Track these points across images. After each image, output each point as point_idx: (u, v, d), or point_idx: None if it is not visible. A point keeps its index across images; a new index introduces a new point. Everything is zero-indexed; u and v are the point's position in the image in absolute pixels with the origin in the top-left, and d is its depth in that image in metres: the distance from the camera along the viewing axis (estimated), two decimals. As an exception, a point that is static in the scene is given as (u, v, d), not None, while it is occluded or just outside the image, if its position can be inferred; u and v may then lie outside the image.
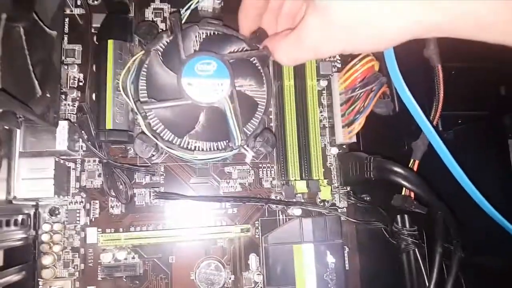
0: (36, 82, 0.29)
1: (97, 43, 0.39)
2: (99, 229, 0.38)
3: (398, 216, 0.41)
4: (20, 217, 0.34)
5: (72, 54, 0.41)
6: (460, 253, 0.40)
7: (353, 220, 0.43)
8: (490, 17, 0.23)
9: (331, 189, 0.42)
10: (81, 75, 0.41)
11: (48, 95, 0.32)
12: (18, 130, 0.34)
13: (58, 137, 0.35)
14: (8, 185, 0.33)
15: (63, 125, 0.35)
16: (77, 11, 0.42)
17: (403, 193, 0.40)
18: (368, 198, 0.44)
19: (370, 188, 0.44)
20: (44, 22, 0.32)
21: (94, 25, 0.40)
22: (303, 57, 0.33)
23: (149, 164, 0.40)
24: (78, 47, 0.41)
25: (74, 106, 0.40)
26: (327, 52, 0.30)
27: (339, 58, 0.45)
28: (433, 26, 0.25)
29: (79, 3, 0.42)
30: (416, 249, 0.40)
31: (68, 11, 0.41)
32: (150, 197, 0.40)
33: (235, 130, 0.35)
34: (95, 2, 0.42)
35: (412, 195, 0.40)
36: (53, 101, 0.33)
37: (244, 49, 0.39)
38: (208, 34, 0.39)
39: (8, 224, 0.32)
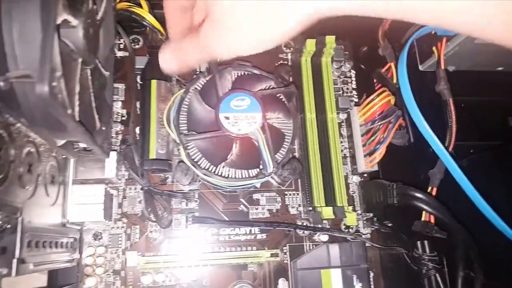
0: (96, 117, 0.33)
1: (141, 82, 0.44)
2: (139, 253, 0.41)
3: (418, 242, 0.43)
4: (69, 240, 0.37)
5: (117, 92, 0.45)
6: (482, 277, 0.41)
7: (377, 246, 0.45)
8: None
9: (356, 215, 0.44)
10: (124, 111, 0.45)
11: (103, 128, 0.35)
12: (72, 160, 0.38)
13: (107, 166, 0.38)
14: (63, 210, 0.36)
15: (112, 155, 0.38)
16: (120, 53, 0.47)
17: (422, 219, 0.43)
18: (390, 224, 0.46)
19: (391, 214, 0.46)
20: (101, 64, 0.37)
21: (137, 66, 0.45)
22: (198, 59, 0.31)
23: (186, 191, 0.43)
24: (121, 86, 0.45)
25: (118, 138, 0.44)
26: (220, 54, 0.28)
27: (356, 94, 0.49)
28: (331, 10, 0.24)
29: (122, 46, 0.47)
30: (437, 274, 0.42)
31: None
32: (186, 222, 0.42)
33: (267, 158, 0.38)
34: (137, 46, 0.47)
35: (432, 220, 0.42)
36: (107, 133, 0.37)
37: (271, 87, 0.43)
38: (240, 74, 0.43)
39: (60, 245, 0.35)
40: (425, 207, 0.40)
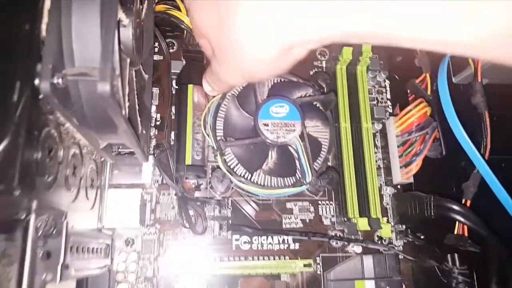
0: (139, 120, 0.33)
1: (177, 87, 0.44)
2: (172, 260, 0.40)
3: (449, 255, 0.43)
4: (104, 246, 0.36)
5: (151, 96, 0.45)
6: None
7: (410, 258, 0.44)
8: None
9: (390, 227, 0.44)
10: (158, 115, 0.44)
11: (144, 131, 0.35)
12: (108, 164, 0.37)
13: (144, 170, 0.38)
14: (100, 214, 0.35)
15: (149, 160, 0.38)
16: (155, 57, 0.46)
17: (455, 232, 0.42)
18: (422, 237, 0.45)
19: (424, 227, 0.45)
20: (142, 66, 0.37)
21: (173, 71, 0.44)
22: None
23: (220, 198, 0.42)
24: (155, 90, 0.45)
25: (151, 143, 0.43)
26: (233, 81, 0.32)
27: (391, 104, 0.49)
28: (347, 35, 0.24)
29: (156, 50, 0.46)
30: (467, 288, 0.41)
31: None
32: (219, 229, 0.42)
33: (307, 167, 0.38)
34: (171, 50, 0.47)
35: (466, 233, 0.42)
36: (147, 137, 0.36)
37: (309, 94, 0.43)
38: (277, 81, 0.43)
39: (96, 251, 0.35)
40: (462, 219, 0.39)
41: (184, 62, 0.45)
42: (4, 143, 0.18)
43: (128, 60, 0.29)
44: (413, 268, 0.45)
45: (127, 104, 0.28)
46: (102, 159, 0.36)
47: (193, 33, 0.34)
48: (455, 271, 0.42)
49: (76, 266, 0.28)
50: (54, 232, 0.25)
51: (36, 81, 0.21)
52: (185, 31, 0.44)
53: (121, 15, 0.26)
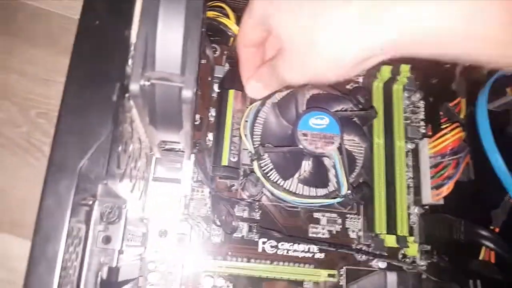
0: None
1: (219, 90, 0.45)
2: (201, 255, 0.41)
3: (471, 281, 0.43)
4: (142, 235, 0.38)
5: (193, 97, 0.47)
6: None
7: (433, 278, 0.44)
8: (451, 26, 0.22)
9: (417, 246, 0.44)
10: (198, 116, 0.46)
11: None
12: (154, 158, 0.39)
13: (185, 167, 0.39)
14: (143, 205, 0.37)
15: (192, 158, 0.39)
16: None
17: (481, 257, 0.42)
18: (446, 259, 0.45)
19: (449, 249, 0.45)
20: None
21: (215, 75, 0.46)
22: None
23: (250, 200, 0.44)
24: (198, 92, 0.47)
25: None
26: (296, 81, 0.31)
27: (424, 125, 0.50)
28: (389, 46, 0.25)
29: (200, 54, 0.48)
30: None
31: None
32: (247, 231, 0.43)
33: (343, 179, 0.39)
34: (214, 55, 0.49)
35: (492, 259, 0.42)
36: (192, 137, 0.38)
37: (348, 109, 0.44)
38: (317, 93, 0.44)
39: (136, 240, 0.36)
40: (492, 246, 0.40)
41: (226, 68, 0.47)
42: (103, 136, 0.20)
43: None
44: (435, 289, 0.45)
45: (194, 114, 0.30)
46: (152, 153, 0.38)
47: (242, 39, 0.35)
48: (477, 298, 0.42)
49: (127, 253, 0.30)
50: (115, 219, 0.27)
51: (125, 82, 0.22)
52: (231, 38, 0.46)
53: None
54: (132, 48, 0.22)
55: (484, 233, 0.39)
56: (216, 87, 0.46)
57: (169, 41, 0.24)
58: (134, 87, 0.21)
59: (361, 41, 0.25)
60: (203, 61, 0.48)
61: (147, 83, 0.23)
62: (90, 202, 0.26)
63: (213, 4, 0.45)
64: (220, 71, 0.46)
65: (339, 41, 0.25)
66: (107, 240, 0.26)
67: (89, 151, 0.20)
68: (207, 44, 0.46)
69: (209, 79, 0.47)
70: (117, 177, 0.24)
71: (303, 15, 0.26)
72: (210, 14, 0.45)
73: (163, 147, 0.38)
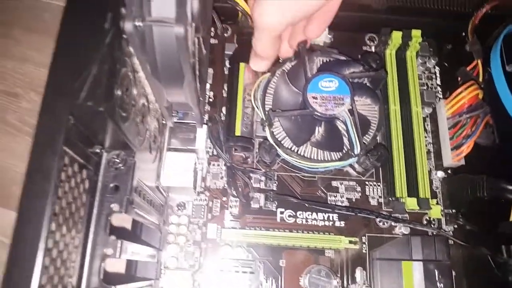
0: (198, 86, 0.35)
1: (229, 66, 0.46)
2: (219, 226, 0.41)
3: (503, 246, 0.40)
4: (159, 203, 0.39)
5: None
6: None
7: (460, 243, 0.42)
8: None
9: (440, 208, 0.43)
10: (212, 93, 0.47)
11: (201, 99, 0.38)
12: (167, 129, 0.40)
13: (198, 137, 0.40)
14: (158, 172, 0.38)
15: (204, 127, 0.40)
16: (211, 41, 0.49)
17: (511, 219, 0.40)
18: (473, 222, 0.43)
19: (477, 212, 0.43)
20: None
21: (226, 52, 0.47)
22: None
23: (265, 170, 0.44)
24: (210, 70, 0.48)
25: (205, 118, 0.46)
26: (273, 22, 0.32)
27: (441, 90, 0.48)
28: None
29: (212, 34, 0.50)
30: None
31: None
32: (264, 200, 0.43)
33: (355, 139, 0.38)
34: (225, 35, 0.50)
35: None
36: (203, 105, 0.39)
37: (360, 71, 0.44)
38: (327, 60, 0.44)
39: (153, 205, 0.37)
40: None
41: (236, 45, 0.48)
42: (96, 63, 0.21)
43: (194, 25, 0.32)
44: (464, 255, 0.43)
45: (192, 59, 0.30)
46: (164, 121, 0.39)
47: None
48: (511, 264, 0.39)
49: (138, 209, 0.31)
50: (123, 167, 0.28)
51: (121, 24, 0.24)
52: (239, 13, 0.47)
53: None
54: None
55: (508, 187, 0.37)
56: (228, 64, 0.47)
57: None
58: (128, 25, 0.22)
59: None
60: (215, 41, 0.49)
61: (141, 23, 0.24)
62: (98, 151, 0.27)
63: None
64: (230, 48, 0.48)
65: None
66: (116, 188, 0.27)
67: (83, 74, 0.21)
68: (218, 23, 0.47)
69: (221, 59, 0.48)
70: (119, 118, 0.25)
71: None
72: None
73: (175, 115, 0.39)
